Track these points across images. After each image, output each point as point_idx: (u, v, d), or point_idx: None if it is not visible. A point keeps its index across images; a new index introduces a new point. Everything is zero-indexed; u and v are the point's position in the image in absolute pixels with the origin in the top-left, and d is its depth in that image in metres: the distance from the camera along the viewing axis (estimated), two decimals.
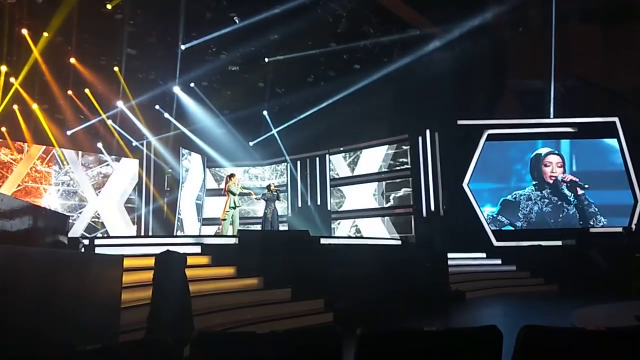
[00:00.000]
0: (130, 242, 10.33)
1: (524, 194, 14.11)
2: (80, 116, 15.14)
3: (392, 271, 8.91)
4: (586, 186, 13.83)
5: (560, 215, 13.89)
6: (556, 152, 14.29)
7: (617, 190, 13.83)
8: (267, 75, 15.31)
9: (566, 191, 14.00)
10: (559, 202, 13.97)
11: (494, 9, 13.06)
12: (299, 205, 17.53)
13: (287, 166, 17.98)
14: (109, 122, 15.66)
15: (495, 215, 14.00)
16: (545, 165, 14.20)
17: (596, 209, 13.83)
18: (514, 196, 14.13)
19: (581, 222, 13.78)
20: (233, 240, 8.86)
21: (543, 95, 14.69)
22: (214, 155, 17.75)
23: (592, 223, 13.73)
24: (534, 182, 14.16)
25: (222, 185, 13.47)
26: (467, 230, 13.45)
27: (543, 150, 14.31)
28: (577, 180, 13.96)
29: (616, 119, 14.13)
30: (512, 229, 13.96)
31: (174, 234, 15.21)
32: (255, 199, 13.01)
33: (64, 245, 5.92)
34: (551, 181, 14.10)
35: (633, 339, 1.69)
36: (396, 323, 7.11)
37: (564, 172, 14.14)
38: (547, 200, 14.00)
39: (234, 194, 11.24)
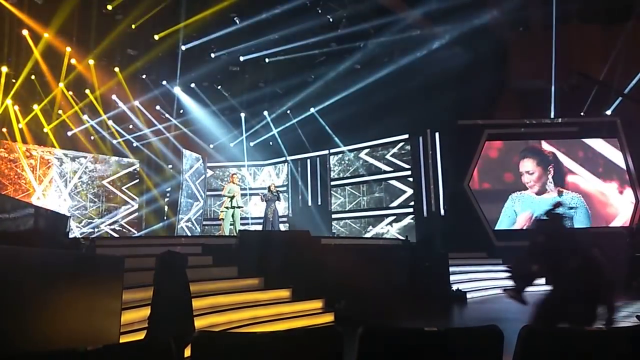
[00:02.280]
0: (131, 242, 10.37)
1: (525, 194, 14.07)
2: (80, 117, 15.16)
3: (393, 271, 8.91)
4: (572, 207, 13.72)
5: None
6: (532, 154, 14.16)
7: (617, 190, 13.83)
8: (267, 76, 15.33)
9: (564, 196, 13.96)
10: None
11: (494, 9, 13.06)
12: (300, 205, 17.54)
13: (287, 166, 17.98)
14: (110, 122, 15.70)
15: (497, 221, 13.94)
16: (522, 175, 14.12)
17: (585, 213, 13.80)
18: (515, 198, 14.09)
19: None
20: (234, 241, 8.87)
21: (544, 95, 14.68)
22: (215, 154, 17.77)
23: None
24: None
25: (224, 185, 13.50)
26: (467, 231, 13.43)
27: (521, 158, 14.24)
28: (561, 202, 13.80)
29: (617, 119, 14.13)
30: (514, 229, 13.93)
31: (175, 234, 15.22)
32: (261, 199, 13.06)
33: (65, 245, 5.93)
34: (530, 189, 14.00)
35: (634, 339, 1.69)
36: (397, 323, 7.11)
37: (540, 177, 14.01)
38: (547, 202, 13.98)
39: (227, 196, 11.46)
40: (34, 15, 11.64)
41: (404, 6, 12.99)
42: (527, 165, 14.15)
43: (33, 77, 13.62)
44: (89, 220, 15.24)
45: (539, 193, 13.99)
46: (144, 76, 14.90)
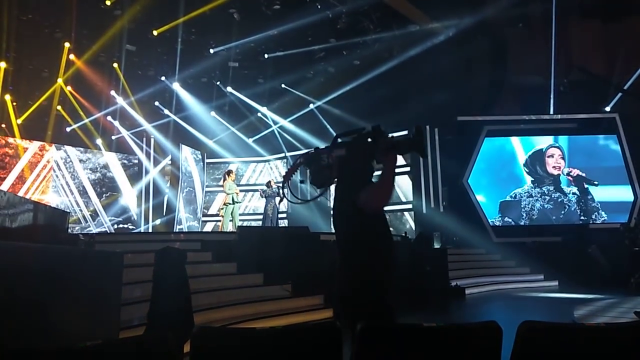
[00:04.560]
0: (131, 238, 10.37)
1: (524, 192, 14.09)
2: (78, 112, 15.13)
3: None
4: (595, 183, 13.81)
5: (562, 212, 13.89)
6: (556, 144, 14.29)
7: (617, 186, 13.84)
8: (266, 71, 15.31)
9: (567, 186, 13.98)
10: (560, 199, 13.96)
11: (494, 5, 13.03)
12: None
13: (286, 162, 17.94)
14: (109, 118, 15.69)
15: (496, 219, 13.98)
16: (549, 156, 14.18)
17: (598, 204, 13.83)
18: (514, 195, 14.11)
19: (583, 218, 13.77)
20: (233, 237, 8.87)
21: (543, 91, 14.67)
22: (214, 150, 17.74)
23: (594, 217, 13.72)
24: (532, 179, 14.14)
25: (222, 182, 13.47)
26: (466, 227, 13.45)
27: (543, 145, 14.31)
28: (585, 175, 13.94)
29: (616, 115, 14.12)
30: (512, 224, 13.95)
31: (174, 230, 15.21)
32: (261, 195, 13.05)
33: (63, 241, 5.92)
34: (555, 172, 14.06)
35: (632, 335, 1.69)
36: (396, 319, 7.10)
37: (565, 165, 14.15)
38: (548, 197, 13.99)
39: (227, 193, 11.49)
40: (34, 10, 11.62)
41: (403, 2, 12.96)
42: (559, 151, 14.28)
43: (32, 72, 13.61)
44: (88, 217, 15.22)
45: (555, 177, 14.05)
46: (142, 72, 14.86)
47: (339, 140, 2.71)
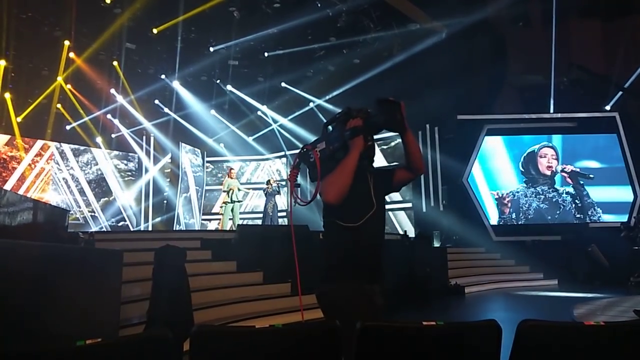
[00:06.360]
0: (130, 236, 10.37)
1: (520, 191, 14.09)
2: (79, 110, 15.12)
3: (391, 266, 8.91)
4: (591, 176, 13.82)
5: (557, 212, 13.89)
6: (550, 144, 14.28)
7: (616, 185, 13.84)
8: (266, 70, 15.29)
9: (561, 186, 13.98)
10: (555, 199, 13.96)
11: (494, 4, 13.02)
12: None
13: (286, 161, 17.94)
14: (108, 116, 15.68)
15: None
16: (541, 157, 14.18)
17: (593, 201, 13.83)
18: (510, 194, 14.10)
19: (579, 216, 13.77)
20: (233, 235, 8.87)
21: (543, 90, 14.67)
22: (215, 148, 17.74)
23: (589, 214, 13.73)
24: (524, 179, 14.14)
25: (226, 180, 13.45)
26: (466, 225, 13.46)
27: (536, 147, 14.29)
28: (579, 170, 13.95)
29: (616, 114, 14.12)
30: (512, 223, 13.95)
31: (174, 228, 15.21)
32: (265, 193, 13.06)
33: (63, 239, 5.92)
34: (548, 172, 14.07)
35: (632, 334, 1.69)
36: (395, 317, 7.10)
37: (559, 164, 14.15)
38: (542, 197, 13.99)
39: (225, 191, 11.56)
40: (34, 8, 11.60)
41: (403, 1, 12.95)
42: (552, 151, 14.27)
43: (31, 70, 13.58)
44: (89, 215, 15.22)
45: (549, 177, 14.00)
46: (141, 70, 14.84)
47: (329, 128, 2.52)
